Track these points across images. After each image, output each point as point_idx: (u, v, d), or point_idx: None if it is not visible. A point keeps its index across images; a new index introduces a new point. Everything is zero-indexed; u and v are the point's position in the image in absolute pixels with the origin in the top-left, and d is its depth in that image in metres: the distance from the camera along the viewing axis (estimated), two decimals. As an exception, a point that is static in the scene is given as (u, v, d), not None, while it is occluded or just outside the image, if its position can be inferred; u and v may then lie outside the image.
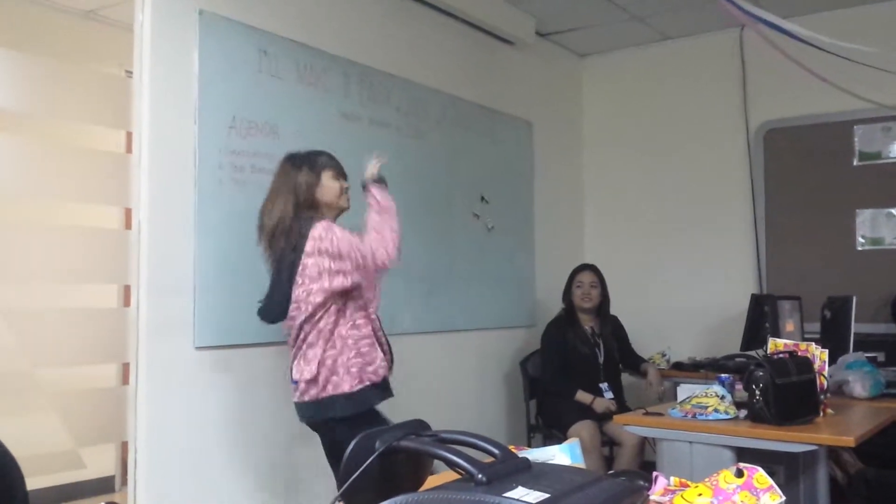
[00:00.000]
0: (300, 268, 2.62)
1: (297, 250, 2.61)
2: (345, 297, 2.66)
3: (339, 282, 2.60)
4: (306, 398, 2.67)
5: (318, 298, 2.61)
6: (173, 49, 3.04)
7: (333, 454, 2.72)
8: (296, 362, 2.69)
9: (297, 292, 2.64)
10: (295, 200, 2.68)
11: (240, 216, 3.13)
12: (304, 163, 2.75)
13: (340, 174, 2.79)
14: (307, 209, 2.68)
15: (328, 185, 2.74)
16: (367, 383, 2.64)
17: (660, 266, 5.32)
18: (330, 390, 2.62)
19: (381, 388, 2.71)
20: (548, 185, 5.25)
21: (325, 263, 2.59)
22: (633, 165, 5.49)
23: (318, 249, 2.59)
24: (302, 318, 2.64)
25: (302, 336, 2.66)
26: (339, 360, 2.63)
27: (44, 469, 2.96)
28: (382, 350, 2.74)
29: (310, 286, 2.61)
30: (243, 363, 3.21)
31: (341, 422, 2.62)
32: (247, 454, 3.22)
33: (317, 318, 2.63)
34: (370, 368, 2.66)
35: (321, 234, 2.59)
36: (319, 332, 2.63)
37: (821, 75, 4.00)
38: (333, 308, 2.64)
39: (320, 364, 2.62)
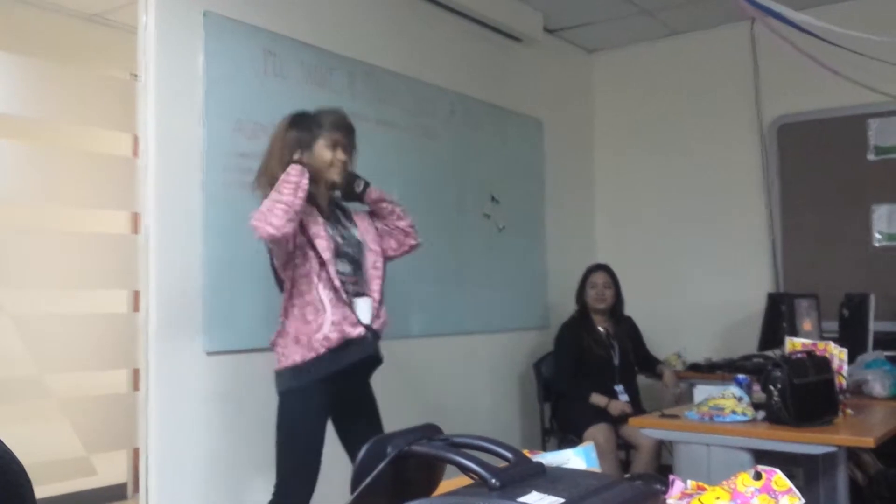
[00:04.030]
0: None
1: None
2: (292, 268, 2.56)
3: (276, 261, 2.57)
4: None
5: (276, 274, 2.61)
6: (179, 51, 3.03)
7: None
8: None
9: None
10: (284, 163, 2.55)
11: (248, 218, 3.10)
12: (302, 125, 2.62)
13: (338, 145, 2.61)
14: None
15: (318, 154, 2.60)
16: (315, 354, 2.49)
17: (674, 265, 5.27)
18: (282, 363, 2.55)
19: (331, 356, 2.51)
20: (559, 184, 5.21)
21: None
22: (644, 162, 5.45)
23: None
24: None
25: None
26: (289, 330, 2.54)
27: (55, 476, 2.95)
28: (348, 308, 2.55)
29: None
30: (254, 368, 3.19)
31: (283, 395, 2.56)
32: (258, 459, 3.20)
33: (283, 289, 2.59)
34: (318, 336, 2.49)
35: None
36: (283, 303, 2.59)
37: (834, 68, 3.95)
38: (288, 277, 2.57)
39: (277, 335, 2.58)
